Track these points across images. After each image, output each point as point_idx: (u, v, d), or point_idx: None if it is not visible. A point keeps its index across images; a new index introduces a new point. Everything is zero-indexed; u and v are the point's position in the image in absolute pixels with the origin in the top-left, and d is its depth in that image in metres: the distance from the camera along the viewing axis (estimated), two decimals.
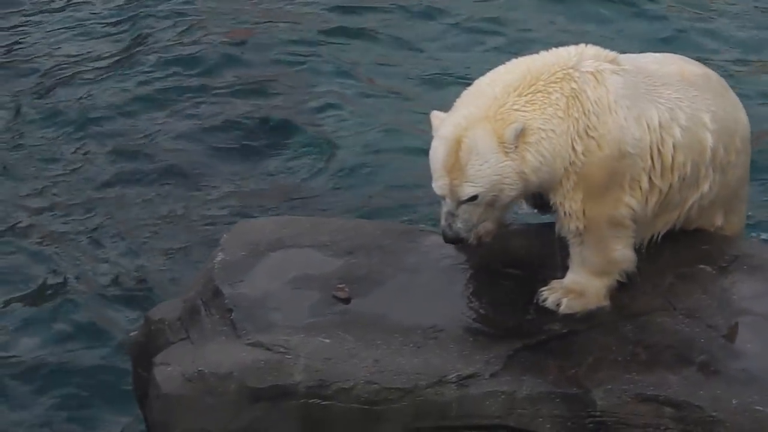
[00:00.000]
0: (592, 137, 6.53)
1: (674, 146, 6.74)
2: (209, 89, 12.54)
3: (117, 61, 13.22)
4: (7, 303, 9.37)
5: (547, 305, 6.78)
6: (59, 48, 13.56)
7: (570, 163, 6.54)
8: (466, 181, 6.42)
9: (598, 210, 6.63)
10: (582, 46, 6.76)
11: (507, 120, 6.42)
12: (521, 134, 6.40)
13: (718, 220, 7.24)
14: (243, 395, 6.48)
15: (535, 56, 6.73)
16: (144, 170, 11.19)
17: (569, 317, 6.72)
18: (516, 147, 6.40)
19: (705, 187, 6.97)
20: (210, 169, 11.15)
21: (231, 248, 7.30)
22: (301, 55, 13.33)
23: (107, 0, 14.55)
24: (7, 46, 13.49)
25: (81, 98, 12.39)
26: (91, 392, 8.23)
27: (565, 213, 6.68)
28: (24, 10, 14.36)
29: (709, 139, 6.86)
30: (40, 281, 9.42)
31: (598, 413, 6.32)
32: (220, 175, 11.02)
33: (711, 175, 6.97)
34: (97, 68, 13.07)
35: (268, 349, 6.56)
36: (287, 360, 6.50)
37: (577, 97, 6.53)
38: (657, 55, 7.19)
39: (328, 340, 6.58)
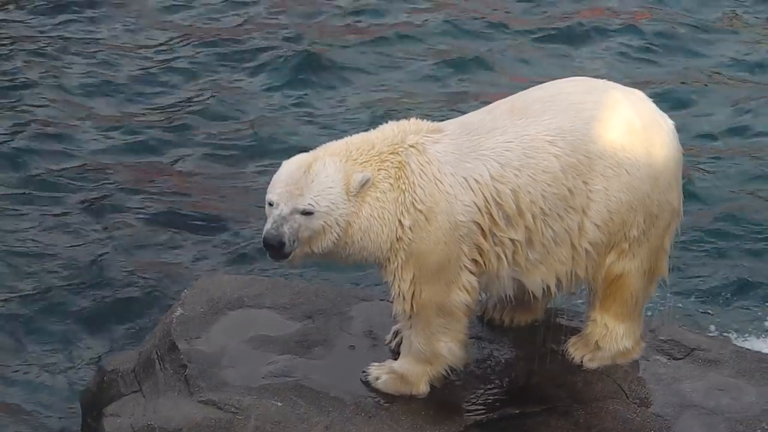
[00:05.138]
0: (420, 210, 6.47)
1: (514, 190, 6.53)
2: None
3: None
4: None
5: (368, 380, 6.75)
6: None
7: (397, 238, 6.49)
8: (309, 194, 6.40)
9: (429, 294, 6.53)
10: (404, 121, 6.69)
11: (354, 168, 6.45)
12: (366, 185, 6.45)
13: (637, 256, 6.75)
14: None
15: (370, 131, 6.67)
16: (114, 214, 11.10)
17: (524, 397, 6.75)
18: (357, 196, 6.44)
19: (582, 202, 6.60)
20: (177, 219, 11.09)
21: (191, 303, 7.29)
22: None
23: None
24: None
25: None
26: None
27: (395, 294, 6.59)
28: None
29: (554, 162, 6.57)
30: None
31: None
32: (186, 227, 10.95)
33: (584, 190, 6.61)
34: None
35: (220, 408, 6.55)
36: (238, 420, 6.49)
37: (403, 168, 6.50)
38: (502, 100, 6.82)
39: (280, 403, 6.57)
